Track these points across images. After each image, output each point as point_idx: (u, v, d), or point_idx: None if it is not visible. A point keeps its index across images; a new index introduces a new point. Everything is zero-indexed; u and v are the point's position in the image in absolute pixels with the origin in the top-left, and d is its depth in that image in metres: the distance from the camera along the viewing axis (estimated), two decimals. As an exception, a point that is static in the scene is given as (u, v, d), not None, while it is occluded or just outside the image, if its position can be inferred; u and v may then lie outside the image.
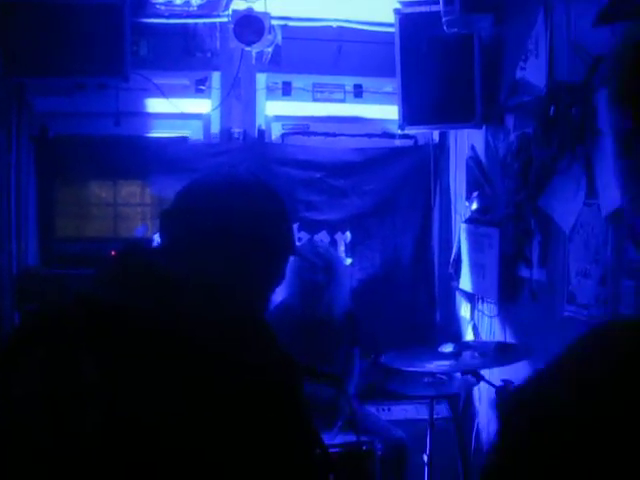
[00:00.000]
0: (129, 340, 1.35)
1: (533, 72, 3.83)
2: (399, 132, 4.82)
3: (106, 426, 1.29)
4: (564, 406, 1.05)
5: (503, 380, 3.45)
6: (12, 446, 1.33)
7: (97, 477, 1.29)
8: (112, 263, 1.56)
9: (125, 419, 1.31)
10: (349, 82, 5.25)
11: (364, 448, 3.27)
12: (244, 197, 1.62)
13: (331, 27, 4.95)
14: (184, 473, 1.31)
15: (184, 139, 5.23)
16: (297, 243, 4.87)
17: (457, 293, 5.02)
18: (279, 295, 4.28)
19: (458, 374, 3.91)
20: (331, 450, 3.02)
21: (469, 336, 4.75)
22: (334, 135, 5.27)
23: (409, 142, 5.34)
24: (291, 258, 1.76)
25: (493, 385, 3.47)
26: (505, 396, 1.30)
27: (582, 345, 1.32)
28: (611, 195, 3.11)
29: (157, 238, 1.67)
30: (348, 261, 5.11)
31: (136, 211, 5.23)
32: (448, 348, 3.69)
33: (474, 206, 4.56)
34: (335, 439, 3.12)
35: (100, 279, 1.53)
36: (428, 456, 3.86)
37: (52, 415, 1.31)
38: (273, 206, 1.67)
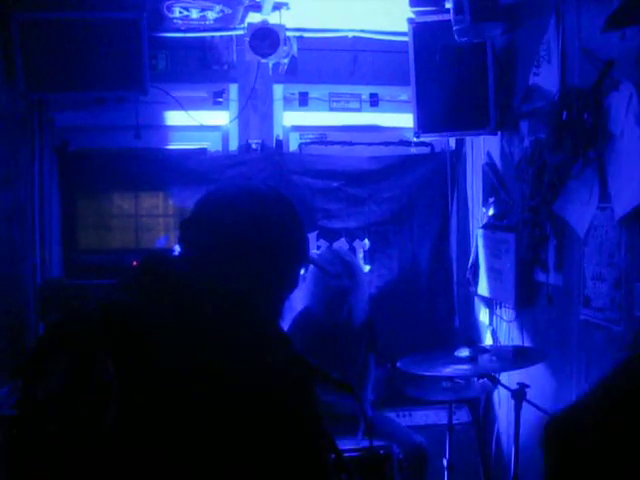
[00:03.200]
0: (146, 342, 1.41)
1: (546, 78, 3.86)
2: (415, 140, 4.85)
3: (122, 421, 1.35)
4: (594, 442, 1.15)
5: (519, 383, 3.46)
6: (35, 447, 1.39)
7: (110, 467, 1.34)
8: (133, 271, 1.63)
9: (141, 415, 1.36)
10: (365, 91, 5.30)
11: (382, 452, 3.30)
12: (259, 206, 1.68)
13: (346, 37, 5.00)
14: (197, 466, 1.36)
15: (203, 151, 5.29)
16: (315, 251, 4.92)
17: (475, 298, 5.04)
18: (302, 302, 4.35)
19: (475, 378, 3.93)
20: (348, 454, 3.05)
21: (488, 341, 4.77)
22: (351, 144, 5.31)
23: (426, 150, 5.37)
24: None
25: (509, 389, 3.49)
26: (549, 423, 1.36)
27: (618, 379, 1.39)
28: (624, 198, 3.13)
29: (178, 248, 1.73)
30: (367, 268, 5.15)
31: (157, 222, 5.31)
32: (464, 352, 3.71)
33: (491, 212, 4.58)
34: (353, 444, 3.15)
35: (121, 287, 1.59)
36: (448, 460, 3.89)
37: (71, 411, 1.37)
38: (287, 215, 1.73)
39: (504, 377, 3.99)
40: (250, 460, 1.39)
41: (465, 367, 3.61)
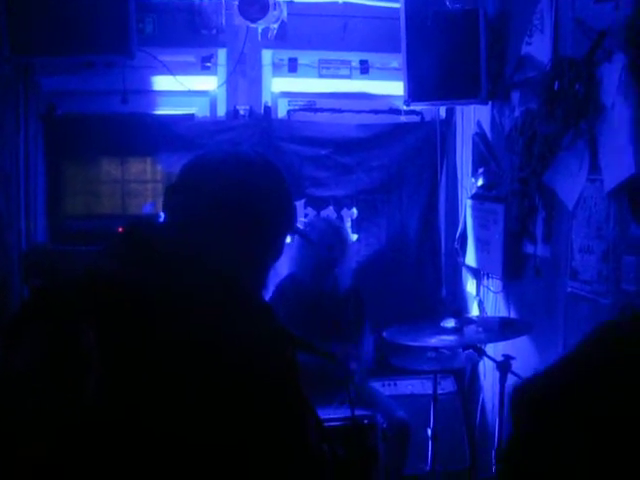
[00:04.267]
0: (130, 310, 1.38)
1: (538, 47, 3.81)
2: (405, 108, 4.81)
3: (104, 391, 1.33)
4: (563, 407, 1.16)
5: (504, 355, 3.47)
6: (12, 413, 1.37)
7: (94, 438, 1.32)
8: (118, 238, 1.59)
9: (124, 385, 1.34)
10: (355, 58, 5.24)
11: (365, 422, 3.30)
12: (247, 173, 1.64)
13: (337, 3, 4.93)
14: (179, 438, 1.34)
15: (191, 116, 5.23)
16: (302, 219, 4.90)
17: (463, 269, 5.03)
18: (287, 267, 4.34)
19: (461, 349, 3.93)
20: (332, 424, 3.05)
21: (475, 312, 4.77)
22: (340, 111, 5.26)
23: (415, 118, 5.32)
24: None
25: (494, 360, 3.50)
26: (518, 387, 1.36)
27: (587, 347, 1.40)
28: (614, 170, 3.11)
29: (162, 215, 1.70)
30: (354, 237, 5.13)
31: (144, 188, 5.26)
32: (450, 323, 3.71)
33: (480, 182, 4.56)
34: (337, 413, 3.14)
35: (106, 253, 1.56)
36: (432, 430, 3.90)
37: (50, 381, 1.35)
38: (275, 183, 1.70)
39: (489, 348, 4.01)
40: (234, 432, 1.37)
41: (451, 338, 3.61)
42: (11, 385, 1.40)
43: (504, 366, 3.41)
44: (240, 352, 1.40)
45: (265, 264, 1.70)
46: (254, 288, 1.65)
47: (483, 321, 3.96)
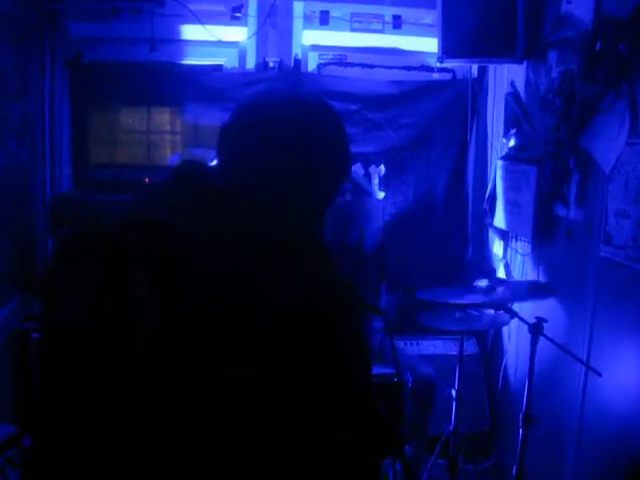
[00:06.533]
0: (180, 260, 1.32)
1: (579, 6, 3.71)
2: (437, 65, 4.72)
3: (156, 344, 1.29)
4: None
5: (536, 317, 3.43)
6: (59, 363, 1.34)
7: (145, 393, 1.29)
8: (164, 183, 1.50)
9: (176, 338, 1.29)
10: (388, 12, 5.12)
11: (395, 380, 3.29)
12: (306, 116, 1.55)
13: (372, -46, 4.83)
14: (233, 392, 1.29)
15: (219, 67, 5.15)
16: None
17: (490, 230, 4.98)
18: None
19: (490, 311, 3.90)
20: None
21: (501, 274, 4.73)
22: (371, 67, 5.17)
23: (447, 76, 5.23)
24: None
25: (527, 322, 3.45)
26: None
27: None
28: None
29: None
30: (381, 195, 5.08)
31: (170, 138, 5.22)
32: (482, 283, 3.68)
33: (511, 143, 4.49)
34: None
35: (148, 199, 1.48)
36: (457, 391, 3.89)
37: (97, 330, 1.31)
38: (335, 128, 1.60)
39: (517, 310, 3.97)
40: (300, 384, 1.31)
41: (484, 298, 3.58)
42: (57, 337, 1.37)
43: (537, 328, 3.37)
44: (306, 304, 1.33)
45: (323, 209, 1.61)
46: (316, 236, 1.58)
47: (514, 283, 3.92)
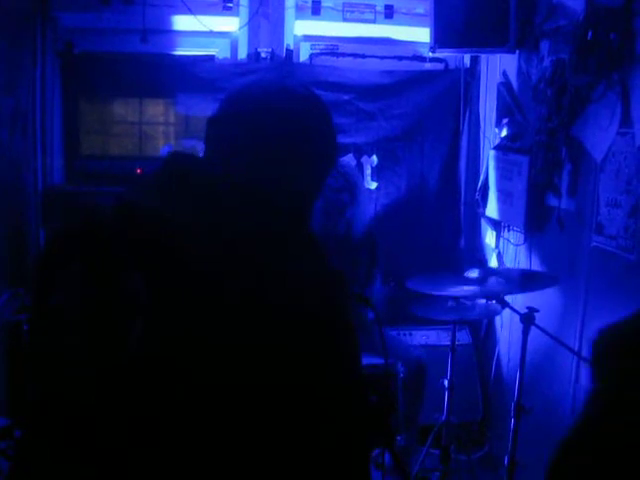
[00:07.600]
0: (173, 249, 1.31)
1: (571, -5, 3.72)
2: (430, 55, 4.71)
3: (149, 335, 1.28)
4: None
5: (528, 307, 3.43)
6: (50, 355, 1.33)
7: (137, 384, 1.29)
8: (153, 173, 1.49)
9: (169, 330, 1.29)
10: (380, 2, 5.11)
11: (384, 371, 3.29)
12: (293, 104, 1.55)
13: (363, -56, 4.81)
14: (226, 384, 1.29)
15: (211, 58, 5.13)
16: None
17: (482, 220, 4.99)
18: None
19: (482, 300, 3.91)
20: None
21: (493, 263, 4.74)
22: (363, 56, 5.15)
23: (440, 66, 5.22)
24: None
25: (518, 312, 3.46)
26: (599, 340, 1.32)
27: None
28: (647, 124, 3.05)
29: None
30: (374, 185, 5.07)
31: (161, 130, 5.20)
32: (474, 273, 3.68)
33: (504, 133, 4.49)
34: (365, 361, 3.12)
35: (139, 189, 1.47)
36: (449, 381, 3.89)
37: (92, 322, 1.30)
38: (321, 115, 1.60)
39: (509, 300, 3.98)
40: (286, 376, 1.31)
41: (475, 288, 3.58)
42: (48, 330, 1.36)
43: (528, 318, 3.38)
44: (296, 293, 1.34)
45: (310, 199, 1.61)
46: (304, 224, 1.57)
47: (506, 273, 3.92)
